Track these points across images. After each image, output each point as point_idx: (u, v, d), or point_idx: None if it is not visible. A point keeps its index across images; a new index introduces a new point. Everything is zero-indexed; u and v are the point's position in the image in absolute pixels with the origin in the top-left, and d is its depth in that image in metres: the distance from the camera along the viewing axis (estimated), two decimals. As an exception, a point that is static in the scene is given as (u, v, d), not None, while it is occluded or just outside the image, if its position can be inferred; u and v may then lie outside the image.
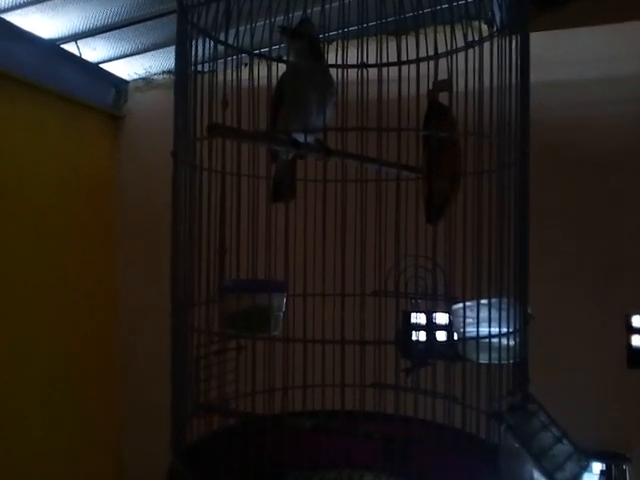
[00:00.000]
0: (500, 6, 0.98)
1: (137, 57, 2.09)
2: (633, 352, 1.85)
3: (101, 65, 2.10)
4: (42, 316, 1.94)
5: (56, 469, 1.97)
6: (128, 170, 2.28)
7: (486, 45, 0.89)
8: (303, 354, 0.84)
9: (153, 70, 2.20)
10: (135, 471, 2.25)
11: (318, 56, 0.87)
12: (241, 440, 0.83)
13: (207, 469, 0.80)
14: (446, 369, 0.82)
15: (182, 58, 0.87)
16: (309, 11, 0.90)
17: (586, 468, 0.67)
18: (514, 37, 0.85)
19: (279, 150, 0.90)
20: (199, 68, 0.86)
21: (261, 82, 0.92)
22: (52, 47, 1.89)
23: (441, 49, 0.96)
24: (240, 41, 0.89)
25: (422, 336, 0.93)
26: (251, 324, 0.84)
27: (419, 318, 0.99)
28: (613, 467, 1.85)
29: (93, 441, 2.16)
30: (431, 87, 0.92)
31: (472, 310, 0.77)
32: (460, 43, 0.92)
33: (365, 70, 0.96)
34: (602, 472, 1.92)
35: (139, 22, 1.84)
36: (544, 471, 0.60)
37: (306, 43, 0.84)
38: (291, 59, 0.91)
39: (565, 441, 0.68)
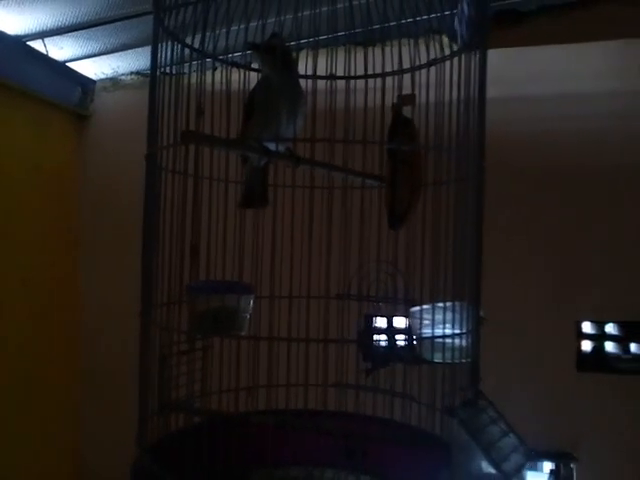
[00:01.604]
0: (462, 22, 1.03)
1: (105, 57, 2.08)
2: (582, 356, 1.96)
3: (68, 64, 2.08)
4: (2, 315, 1.90)
5: (15, 467, 1.93)
6: (93, 169, 2.27)
7: (450, 60, 0.94)
8: (268, 353, 0.87)
9: (121, 70, 2.20)
10: (96, 470, 2.23)
11: (289, 68, 0.91)
12: (207, 437, 0.85)
13: (172, 465, 0.82)
14: (404, 369, 0.86)
15: (156, 62, 0.89)
16: (281, 18, 0.93)
17: (530, 459, 0.72)
18: (476, 53, 0.90)
19: (250, 156, 0.93)
20: (172, 72, 0.88)
21: (233, 88, 0.95)
22: (18, 44, 1.87)
23: (406, 64, 1.01)
24: (212, 47, 0.92)
25: (382, 338, 0.97)
26: (218, 325, 0.86)
27: (380, 321, 1.03)
28: (562, 466, 1.94)
29: (53, 441, 2.12)
30: (396, 100, 0.97)
31: (429, 312, 0.82)
32: (425, 59, 0.97)
33: (334, 82, 1.00)
34: (551, 471, 2.01)
35: (108, 23, 1.84)
36: (492, 462, 0.65)
37: (278, 56, 0.88)
38: (263, 72, 0.94)
39: (511, 435, 0.73)
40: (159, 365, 0.85)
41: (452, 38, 1.35)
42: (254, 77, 1.01)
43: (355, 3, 1.01)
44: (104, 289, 2.21)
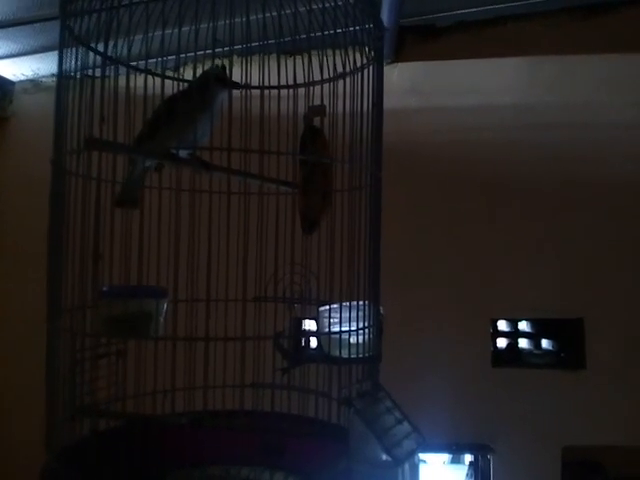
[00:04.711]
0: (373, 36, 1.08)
1: (24, 58, 2.02)
2: (498, 353, 2.08)
3: (-17, 64, 2.01)
4: None
5: None
6: (13, 171, 2.20)
7: (357, 73, 0.99)
8: (186, 356, 0.89)
9: (42, 72, 2.14)
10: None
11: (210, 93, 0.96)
12: (122, 440, 0.86)
13: (85, 469, 0.82)
14: (316, 367, 0.91)
15: (62, 67, 0.90)
16: (195, 27, 0.95)
17: (422, 445, 0.78)
18: (374, 67, 0.96)
19: (136, 159, 0.96)
20: (76, 77, 0.89)
21: (138, 94, 0.97)
22: None
23: (325, 74, 1.06)
24: (118, 53, 0.93)
25: (299, 339, 1.01)
26: (129, 328, 0.87)
27: (297, 322, 1.07)
28: (480, 458, 2.06)
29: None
30: (308, 111, 1.01)
31: (336, 312, 0.87)
32: (340, 70, 1.02)
33: (262, 91, 1.04)
34: (471, 463, 2.13)
35: (26, 24, 1.79)
36: (384, 447, 0.70)
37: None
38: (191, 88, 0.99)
39: (405, 423, 0.78)
40: (69, 370, 0.85)
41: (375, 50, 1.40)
42: (152, 82, 1.03)
43: (282, 13, 1.05)
44: (24, 297, 2.14)
